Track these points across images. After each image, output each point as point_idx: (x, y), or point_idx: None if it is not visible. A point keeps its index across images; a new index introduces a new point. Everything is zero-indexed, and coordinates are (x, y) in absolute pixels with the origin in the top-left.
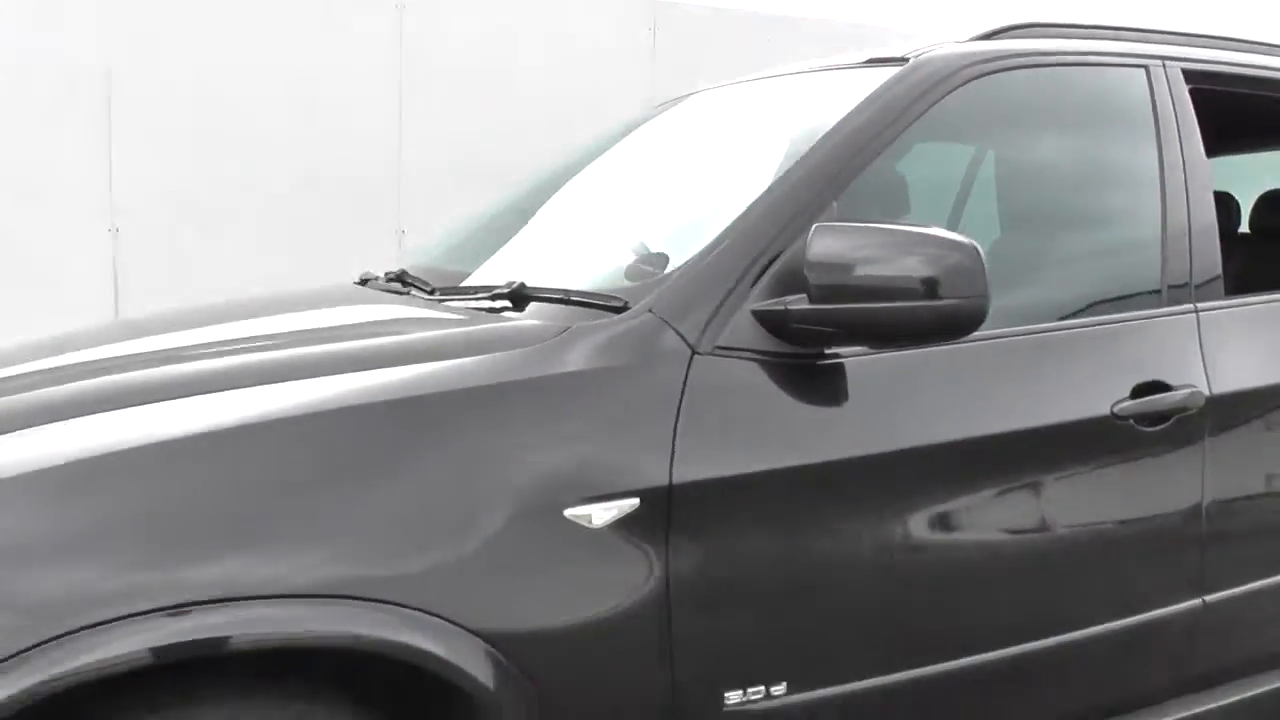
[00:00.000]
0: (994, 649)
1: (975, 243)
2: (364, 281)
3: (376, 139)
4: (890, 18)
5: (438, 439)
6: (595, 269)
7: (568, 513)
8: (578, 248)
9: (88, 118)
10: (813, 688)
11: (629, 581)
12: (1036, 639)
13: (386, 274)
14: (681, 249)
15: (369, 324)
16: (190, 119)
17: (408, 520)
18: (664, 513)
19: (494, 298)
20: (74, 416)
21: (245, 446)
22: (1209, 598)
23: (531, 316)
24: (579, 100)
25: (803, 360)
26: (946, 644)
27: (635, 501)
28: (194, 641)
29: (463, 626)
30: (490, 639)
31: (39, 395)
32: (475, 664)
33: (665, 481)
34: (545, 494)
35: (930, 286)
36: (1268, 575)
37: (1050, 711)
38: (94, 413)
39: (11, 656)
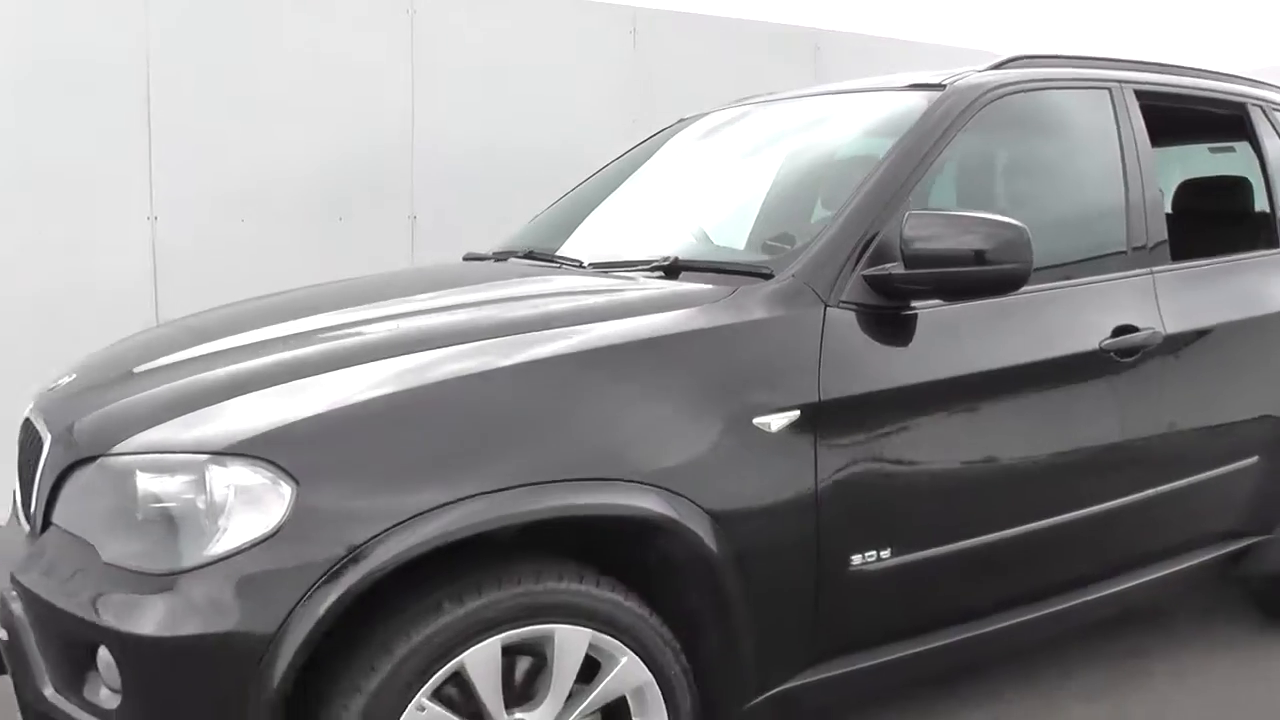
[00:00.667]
0: (1030, 522)
1: (1022, 224)
2: (479, 258)
3: (391, 133)
4: (849, 21)
5: (671, 368)
6: (712, 246)
7: (755, 421)
8: (678, 230)
9: (128, 110)
10: (907, 552)
11: (793, 470)
12: (1060, 514)
13: (496, 254)
14: (772, 232)
15: (571, 290)
16: (223, 114)
17: (654, 426)
18: (813, 421)
19: (654, 269)
20: (383, 358)
21: (538, 375)
22: (1168, 485)
23: (689, 283)
24: (566, 99)
25: (895, 311)
26: (997, 518)
27: (796, 413)
28: (513, 513)
29: (693, 501)
30: (711, 509)
31: (326, 349)
32: (701, 527)
33: (815, 399)
34: (741, 408)
35: (990, 256)
36: (1210, 469)
37: (1089, 563)
38: (391, 356)
39: (422, 514)
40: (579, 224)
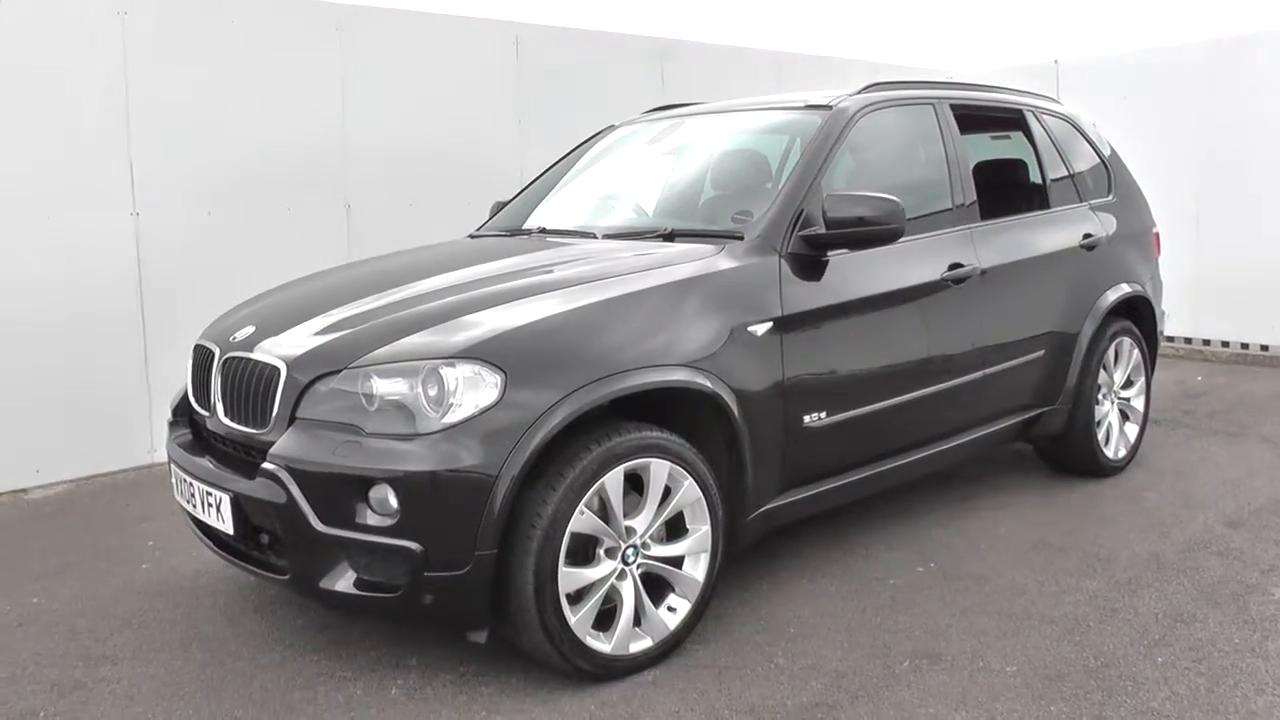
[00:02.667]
0: (907, 393)
1: (898, 199)
2: (491, 235)
3: (326, 135)
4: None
5: (698, 298)
6: (684, 220)
7: (748, 328)
8: (630, 208)
9: (110, 117)
10: (836, 414)
11: (770, 361)
12: (931, 385)
13: (511, 230)
14: (723, 209)
15: (616, 250)
16: (192, 122)
17: (697, 333)
18: (779, 328)
19: (658, 236)
20: (525, 297)
21: (632, 303)
22: (987, 370)
23: (685, 244)
24: (460, 103)
25: (817, 257)
26: (890, 387)
27: (770, 324)
28: (633, 385)
29: (721, 379)
30: (730, 385)
31: (475, 295)
32: (727, 395)
33: (780, 314)
34: (740, 320)
35: (879, 220)
36: (1014, 359)
37: (943, 424)
38: (530, 296)
39: (581, 387)
40: (557, 207)
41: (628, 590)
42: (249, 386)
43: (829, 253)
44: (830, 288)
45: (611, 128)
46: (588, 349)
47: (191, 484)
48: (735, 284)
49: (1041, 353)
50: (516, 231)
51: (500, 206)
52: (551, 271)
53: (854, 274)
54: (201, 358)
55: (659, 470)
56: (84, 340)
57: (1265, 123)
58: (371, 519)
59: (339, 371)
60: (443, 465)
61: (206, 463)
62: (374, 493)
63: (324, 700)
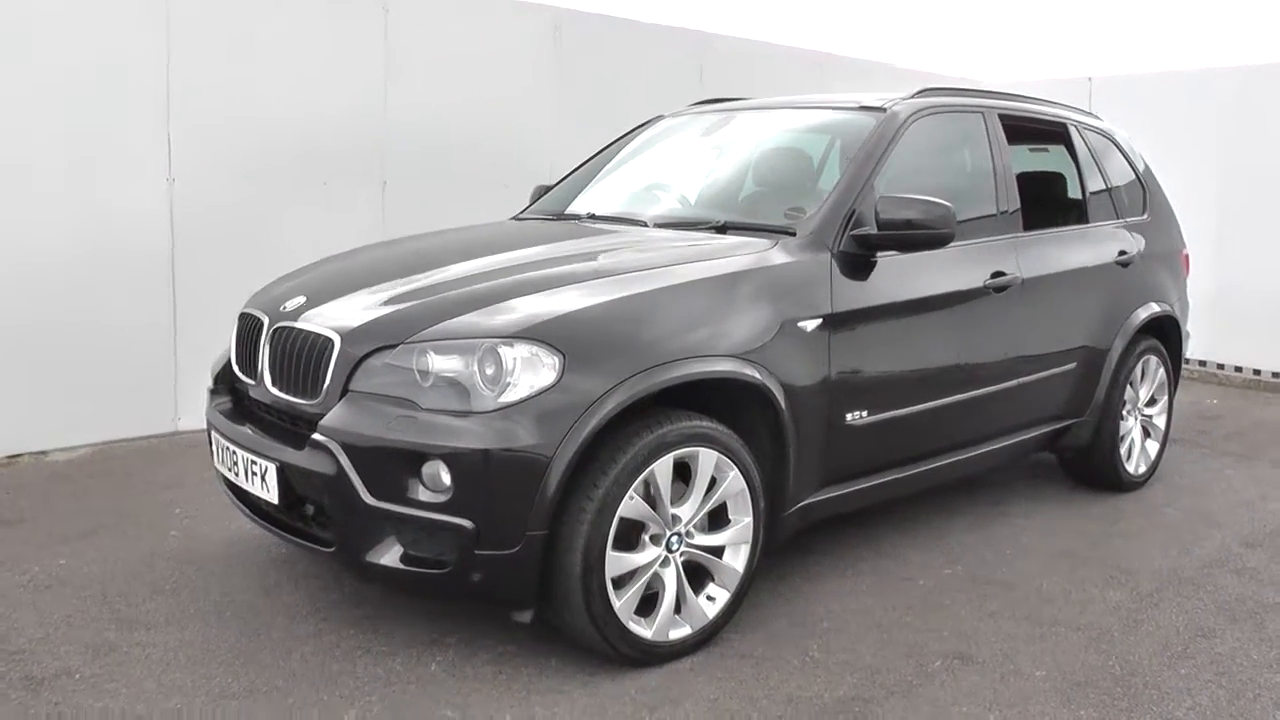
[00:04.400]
0: (945, 397)
1: (950, 203)
2: (535, 218)
3: (366, 111)
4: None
5: (751, 290)
6: (733, 213)
7: (798, 324)
8: (676, 198)
9: (151, 83)
10: (876, 414)
11: (818, 358)
12: (968, 391)
13: (557, 214)
14: (773, 205)
15: (661, 239)
16: (233, 94)
17: (750, 324)
18: (828, 326)
19: (710, 228)
20: (580, 281)
21: (686, 292)
22: (1022, 379)
23: (739, 236)
24: (499, 86)
25: (867, 257)
26: (929, 390)
27: (820, 320)
28: (686, 374)
29: (770, 372)
30: (778, 379)
31: (529, 277)
32: (776, 389)
33: (829, 311)
34: (791, 315)
35: (930, 223)
36: (1048, 369)
37: (977, 429)
38: (585, 280)
39: (637, 373)
40: (604, 194)
41: (670, 577)
42: (299, 357)
43: (878, 254)
44: (878, 288)
45: (660, 118)
46: (643, 336)
47: (234, 452)
48: (788, 279)
49: (1074, 365)
50: (563, 216)
51: (543, 191)
52: (606, 257)
53: (900, 276)
54: (248, 326)
55: (707, 460)
56: (112, 305)
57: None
58: (423, 495)
59: (395, 346)
60: (499, 444)
61: (250, 431)
62: (427, 468)
63: (363, 673)
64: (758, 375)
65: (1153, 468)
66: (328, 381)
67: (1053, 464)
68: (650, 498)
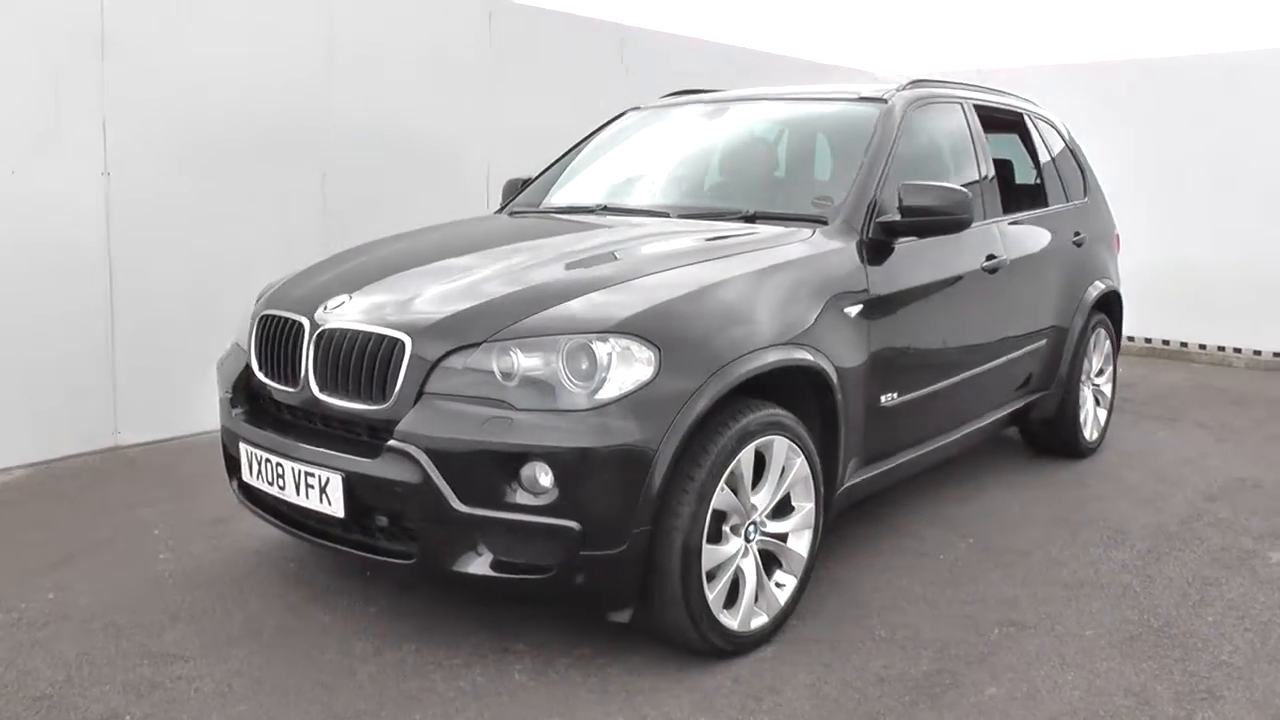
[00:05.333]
0: (960, 373)
1: (966, 189)
2: (514, 213)
3: (307, 99)
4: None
5: (808, 278)
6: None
7: (844, 310)
8: (687, 188)
9: (82, 73)
10: (906, 394)
11: (861, 342)
12: (972, 369)
13: (558, 208)
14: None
15: (698, 229)
16: (170, 82)
17: (807, 315)
18: (867, 312)
19: (739, 218)
20: (653, 273)
21: (758, 282)
22: (1010, 355)
23: (772, 226)
24: (438, 80)
25: (890, 243)
26: (944, 370)
27: (861, 306)
28: (767, 363)
29: (828, 359)
30: (834, 365)
31: (596, 272)
32: (832, 373)
33: (868, 297)
34: (839, 301)
35: (950, 210)
36: (1028, 345)
37: (976, 405)
38: (657, 271)
39: (726, 364)
40: (605, 186)
41: (749, 567)
42: (358, 360)
43: (898, 240)
44: (900, 273)
45: (636, 109)
46: (730, 326)
47: (279, 464)
48: (835, 266)
49: (1045, 340)
50: (574, 209)
51: (520, 185)
52: (653, 247)
53: (915, 261)
54: (278, 328)
55: (780, 448)
56: (43, 310)
57: (1172, 143)
58: (522, 498)
59: (477, 345)
60: (604, 442)
61: (296, 441)
62: (526, 470)
63: (445, 689)
64: (821, 363)
65: (1103, 434)
66: (399, 385)
67: (1005, 437)
68: (732, 489)
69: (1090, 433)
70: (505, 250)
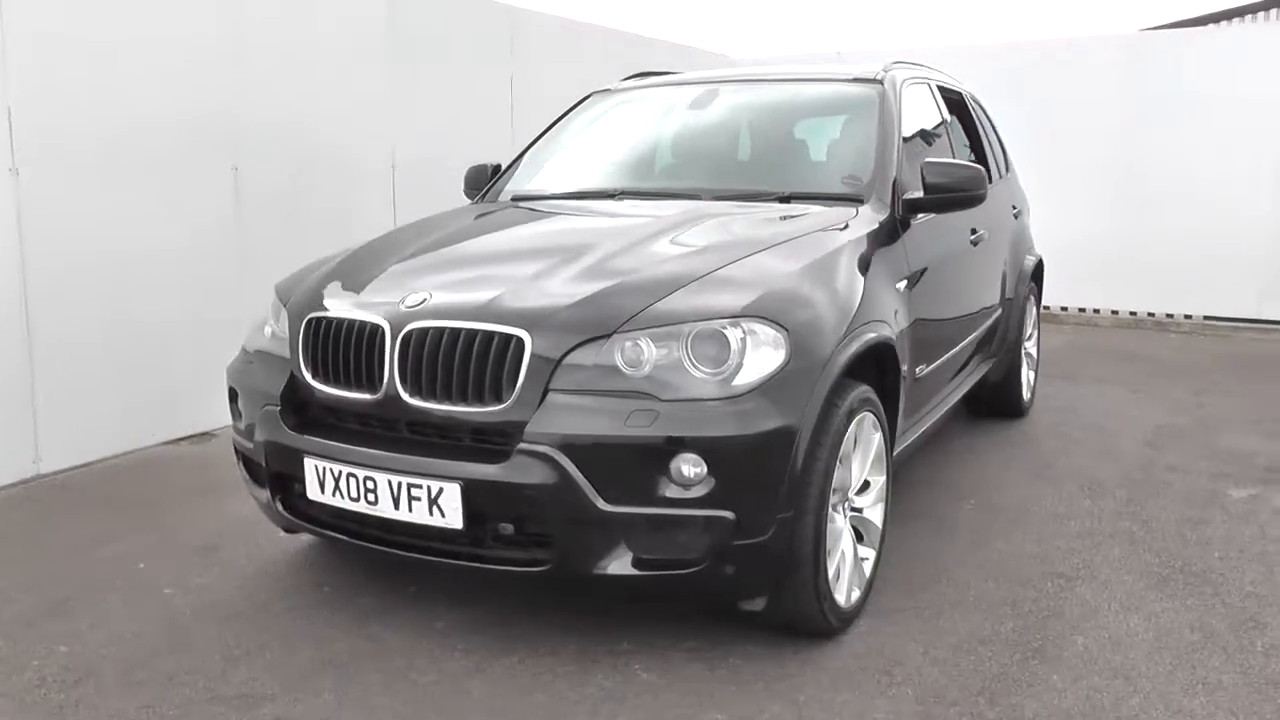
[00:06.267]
0: (959, 342)
1: (979, 166)
2: (517, 200)
3: (219, 95)
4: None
5: (876, 256)
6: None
7: (896, 286)
8: (722, 172)
9: None
10: (928, 365)
11: (905, 314)
12: (966, 337)
13: (569, 192)
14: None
15: (746, 213)
16: (78, 73)
17: (883, 293)
18: (909, 286)
19: (775, 198)
20: (752, 254)
21: (847, 261)
22: (985, 324)
23: (810, 207)
24: (339, 65)
25: (910, 220)
26: (951, 341)
27: (906, 281)
28: (872, 339)
29: (891, 330)
30: (897, 341)
31: (699, 263)
32: (901, 351)
33: (908, 271)
34: (893, 277)
35: (967, 186)
36: (992, 314)
37: (962, 372)
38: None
39: (840, 343)
40: (609, 171)
41: (847, 542)
42: (462, 360)
43: (919, 214)
44: (921, 248)
45: (607, 92)
46: (838, 305)
47: (369, 478)
48: (885, 243)
49: (1002, 309)
50: (589, 195)
51: (490, 171)
52: (729, 230)
53: (928, 236)
54: (336, 331)
55: (868, 424)
56: None
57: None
58: (672, 491)
59: (606, 337)
60: (755, 427)
61: (387, 452)
62: (675, 463)
63: (575, 695)
64: (895, 340)
65: (1033, 394)
66: (519, 384)
67: None
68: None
69: (1026, 393)
70: (566, 240)
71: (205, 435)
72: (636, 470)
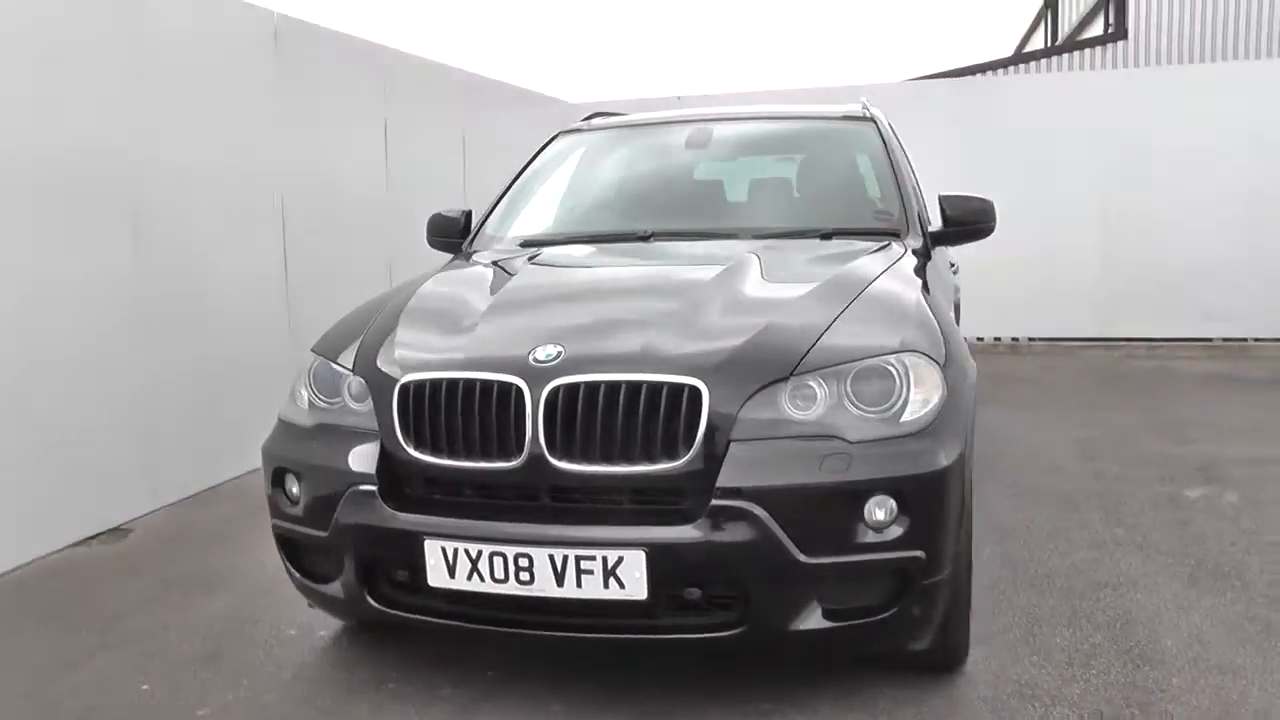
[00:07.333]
0: None
1: (989, 198)
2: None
3: (113, 128)
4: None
5: (939, 287)
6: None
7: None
8: (741, 212)
9: None
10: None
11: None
12: None
13: (587, 234)
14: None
15: (800, 252)
16: None
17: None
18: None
19: (818, 235)
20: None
21: (930, 294)
22: None
23: (856, 243)
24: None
25: (935, 248)
26: None
27: (953, 310)
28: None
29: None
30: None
31: (803, 289)
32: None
33: (954, 300)
34: (947, 304)
35: (979, 218)
36: None
37: None
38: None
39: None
40: (616, 213)
41: None
42: (630, 415)
43: (939, 244)
44: (946, 279)
45: (578, 132)
46: (950, 334)
47: (525, 554)
48: (934, 275)
49: None
50: (615, 237)
51: (464, 219)
52: (816, 269)
53: (945, 267)
54: (450, 395)
55: None
56: None
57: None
58: (868, 536)
59: (783, 380)
60: (941, 463)
61: (545, 524)
62: (869, 506)
63: None
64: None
65: None
66: (700, 436)
67: None
68: None
69: None
70: (657, 284)
71: (119, 531)
72: (832, 517)
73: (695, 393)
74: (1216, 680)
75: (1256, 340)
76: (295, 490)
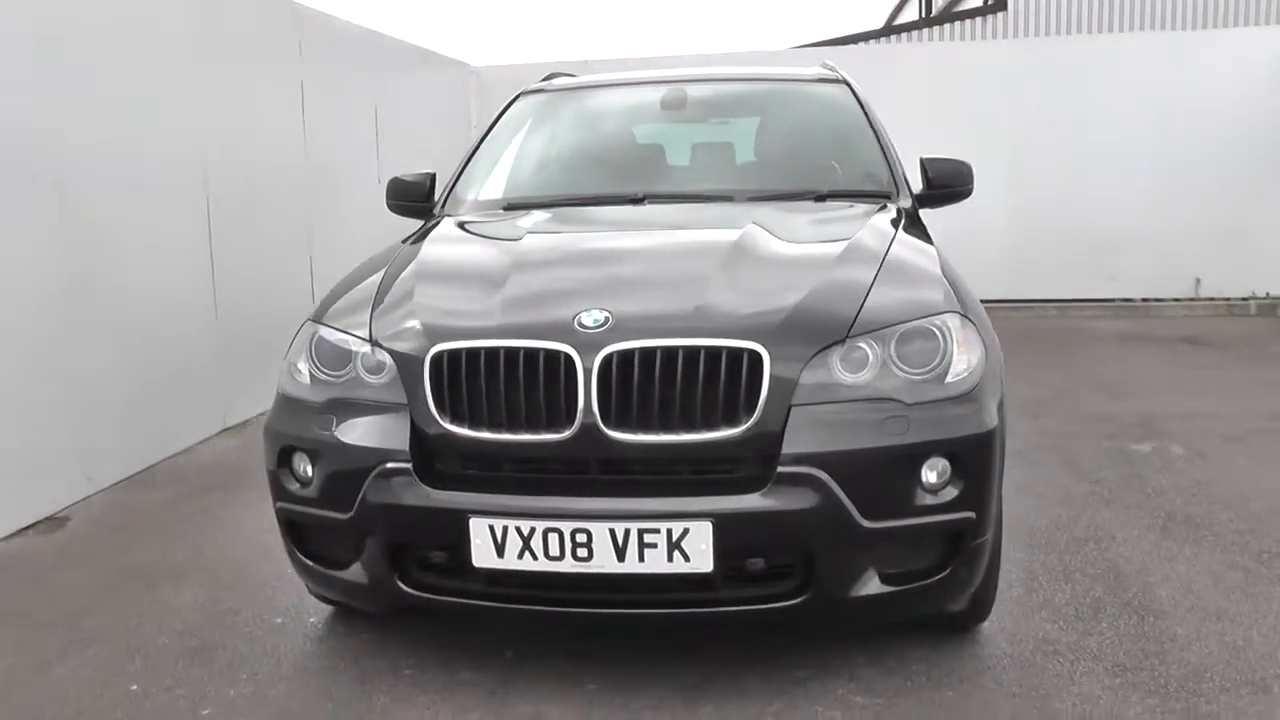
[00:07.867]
0: None
1: (968, 160)
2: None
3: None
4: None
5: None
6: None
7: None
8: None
9: None
10: None
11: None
12: None
13: (573, 197)
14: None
15: (807, 214)
16: None
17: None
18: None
19: (814, 198)
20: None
21: (940, 257)
22: None
23: (856, 205)
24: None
25: (921, 208)
26: None
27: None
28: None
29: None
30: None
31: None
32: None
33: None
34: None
35: (959, 180)
36: None
37: None
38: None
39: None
40: (598, 175)
41: None
42: (689, 382)
43: (925, 206)
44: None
45: (541, 92)
46: (973, 296)
47: (583, 530)
48: (910, 228)
49: None
50: (606, 200)
51: (429, 183)
52: (833, 229)
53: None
54: (490, 364)
55: None
56: None
57: None
58: (925, 499)
59: (840, 343)
60: (990, 424)
61: (601, 497)
62: (926, 469)
63: None
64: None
65: None
66: (762, 401)
67: None
68: None
69: None
70: (681, 246)
71: (55, 520)
72: (892, 482)
73: (756, 357)
74: (1217, 627)
75: (1158, 300)
76: (307, 470)
